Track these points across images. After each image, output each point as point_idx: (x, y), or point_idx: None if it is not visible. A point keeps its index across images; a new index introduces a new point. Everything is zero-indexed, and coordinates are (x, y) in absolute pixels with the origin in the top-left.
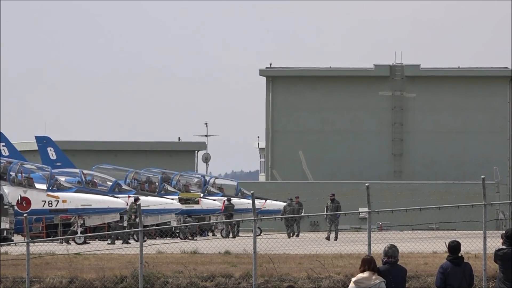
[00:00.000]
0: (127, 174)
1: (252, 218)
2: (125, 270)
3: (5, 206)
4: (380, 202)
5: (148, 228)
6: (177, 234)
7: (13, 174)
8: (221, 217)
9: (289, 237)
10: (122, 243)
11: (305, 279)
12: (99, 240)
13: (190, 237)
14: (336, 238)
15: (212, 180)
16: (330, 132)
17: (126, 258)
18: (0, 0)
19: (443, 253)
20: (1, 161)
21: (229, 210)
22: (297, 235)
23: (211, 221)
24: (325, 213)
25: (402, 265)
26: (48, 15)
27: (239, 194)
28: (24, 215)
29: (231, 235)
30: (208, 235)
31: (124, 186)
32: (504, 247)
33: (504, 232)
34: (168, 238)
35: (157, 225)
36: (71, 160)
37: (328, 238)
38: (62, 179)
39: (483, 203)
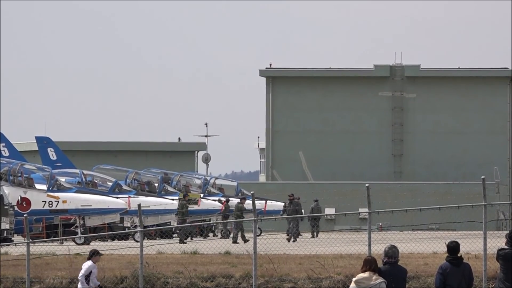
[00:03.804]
0: (127, 174)
1: (252, 218)
2: (125, 271)
3: (5, 207)
4: (380, 203)
5: (148, 229)
6: (176, 234)
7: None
8: (221, 218)
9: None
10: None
11: (305, 280)
12: (99, 240)
13: (191, 238)
14: (295, 239)
15: (212, 181)
16: (330, 133)
17: (126, 258)
18: (0, 0)
19: (443, 254)
20: (2, 162)
21: (225, 211)
22: (317, 235)
23: (209, 222)
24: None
25: (402, 265)
26: (48, 15)
27: (239, 194)
28: (24, 215)
29: (231, 235)
30: (209, 236)
31: (124, 187)
32: (506, 247)
33: (508, 232)
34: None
35: (157, 225)
36: (71, 160)
37: (289, 240)
38: (62, 179)
39: (483, 203)
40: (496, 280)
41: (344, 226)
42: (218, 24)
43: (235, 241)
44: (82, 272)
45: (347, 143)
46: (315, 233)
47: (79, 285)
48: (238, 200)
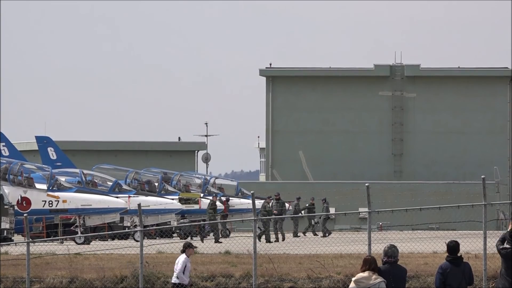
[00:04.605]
0: (127, 174)
1: (252, 218)
2: (126, 270)
3: (5, 206)
4: (380, 202)
5: (148, 228)
6: (176, 233)
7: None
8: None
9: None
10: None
11: (305, 279)
12: (99, 240)
13: (191, 237)
14: (283, 239)
15: (212, 180)
16: (330, 132)
17: (126, 258)
18: (0, 0)
19: (443, 253)
20: (2, 161)
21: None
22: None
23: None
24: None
25: (402, 265)
26: (48, 15)
27: (239, 194)
28: (24, 215)
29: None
30: (209, 235)
31: (124, 186)
32: (508, 246)
33: (508, 231)
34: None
35: (157, 225)
36: (71, 160)
37: (283, 238)
38: (62, 179)
39: (483, 203)
40: (497, 279)
41: (344, 225)
42: (218, 24)
43: (268, 240)
44: (179, 266)
45: (347, 143)
46: (325, 233)
47: (175, 280)
48: (265, 199)
